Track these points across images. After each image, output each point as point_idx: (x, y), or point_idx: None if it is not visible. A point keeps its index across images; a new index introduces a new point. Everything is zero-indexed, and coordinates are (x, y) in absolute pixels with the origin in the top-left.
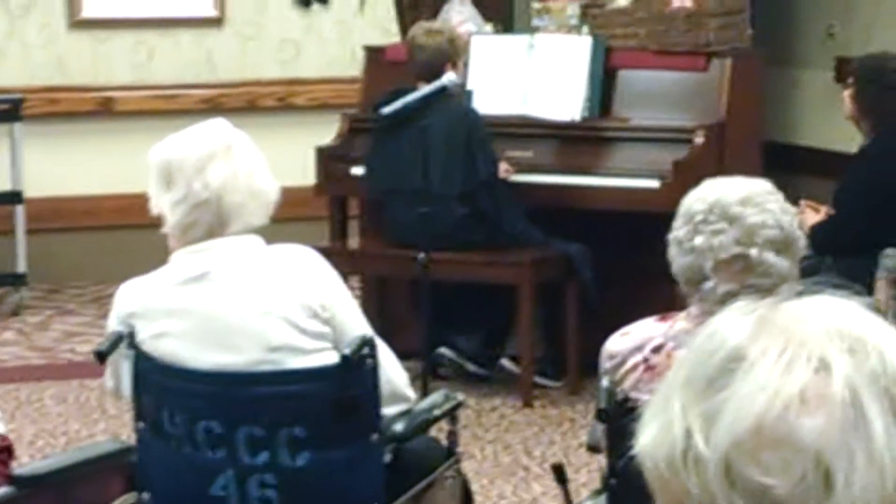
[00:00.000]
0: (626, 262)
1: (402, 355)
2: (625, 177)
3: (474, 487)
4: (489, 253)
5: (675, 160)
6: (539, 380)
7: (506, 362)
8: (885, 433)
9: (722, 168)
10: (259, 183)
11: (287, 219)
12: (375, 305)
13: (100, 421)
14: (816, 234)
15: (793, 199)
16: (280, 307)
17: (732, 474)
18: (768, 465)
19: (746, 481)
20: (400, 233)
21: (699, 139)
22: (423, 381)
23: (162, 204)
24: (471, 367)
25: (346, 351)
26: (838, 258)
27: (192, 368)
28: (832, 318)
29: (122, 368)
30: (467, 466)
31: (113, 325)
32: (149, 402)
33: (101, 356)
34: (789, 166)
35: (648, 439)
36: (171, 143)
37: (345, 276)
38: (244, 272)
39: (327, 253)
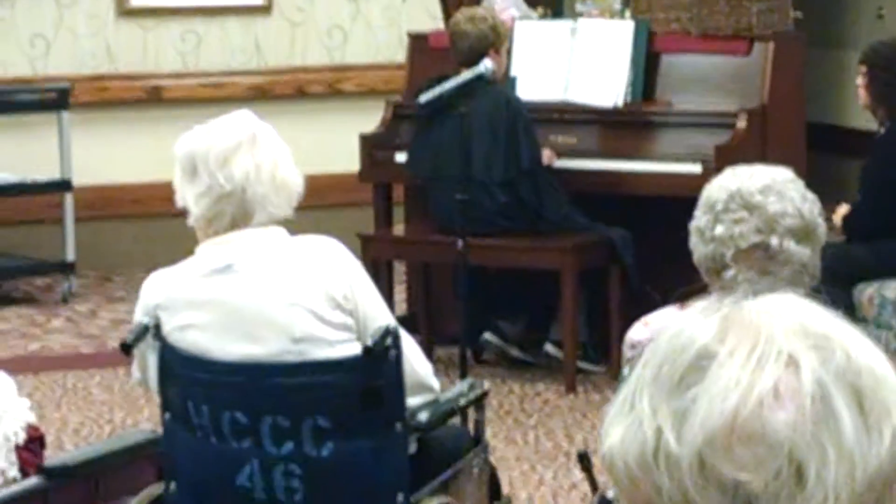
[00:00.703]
0: (669, 247)
1: (448, 340)
2: (667, 162)
3: (515, 473)
4: (532, 238)
5: (717, 145)
6: (582, 364)
7: (549, 347)
8: (854, 428)
9: (765, 152)
10: (283, 175)
11: (336, 205)
12: (421, 291)
13: (144, 409)
14: (846, 223)
15: (838, 181)
16: (304, 298)
17: (706, 471)
18: (742, 460)
19: (720, 477)
20: (442, 219)
21: (742, 123)
22: (462, 365)
23: (186, 196)
24: (514, 352)
25: (370, 342)
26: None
27: (216, 359)
28: (796, 315)
29: (148, 360)
30: (509, 452)
31: (139, 316)
32: (174, 393)
33: (126, 348)
34: (838, 148)
35: (616, 439)
36: (195, 135)
37: (389, 261)
38: (268, 264)
39: (372, 239)
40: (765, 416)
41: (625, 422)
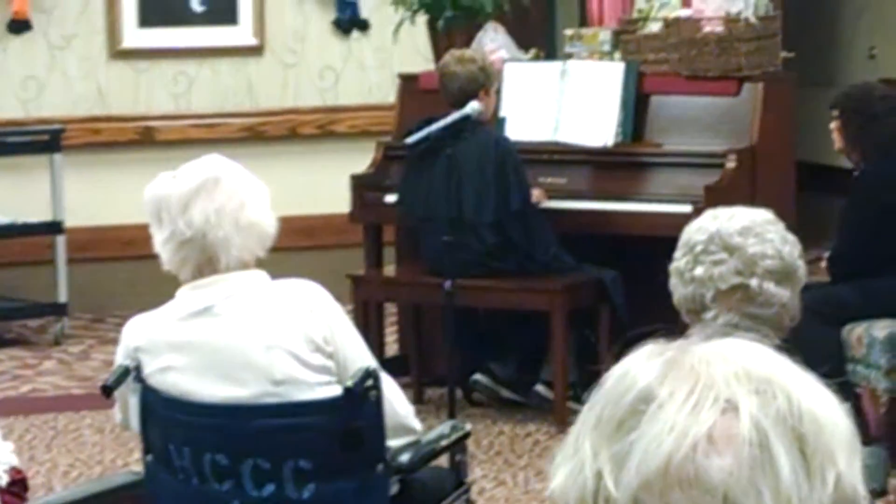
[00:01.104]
0: (659, 287)
1: (439, 381)
2: (657, 202)
3: None
4: (522, 279)
5: (707, 185)
6: (573, 405)
7: (540, 388)
8: (792, 473)
9: (754, 192)
10: (250, 216)
11: (327, 245)
12: (412, 332)
13: (135, 451)
14: (829, 265)
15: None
16: (283, 341)
17: None
18: None
19: None
20: (432, 260)
21: (731, 164)
22: (450, 406)
23: (155, 242)
24: (505, 393)
25: (350, 383)
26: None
27: (197, 401)
28: (740, 359)
29: (129, 402)
30: (499, 493)
31: (120, 359)
32: (156, 435)
33: (108, 390)
34: (829, 187)
35: (560, 482)
36: (159, 181)
37: (380, 303)
38: (248, 306)
39: (363, 280)
40: (699, 462)
41: (569, 464)
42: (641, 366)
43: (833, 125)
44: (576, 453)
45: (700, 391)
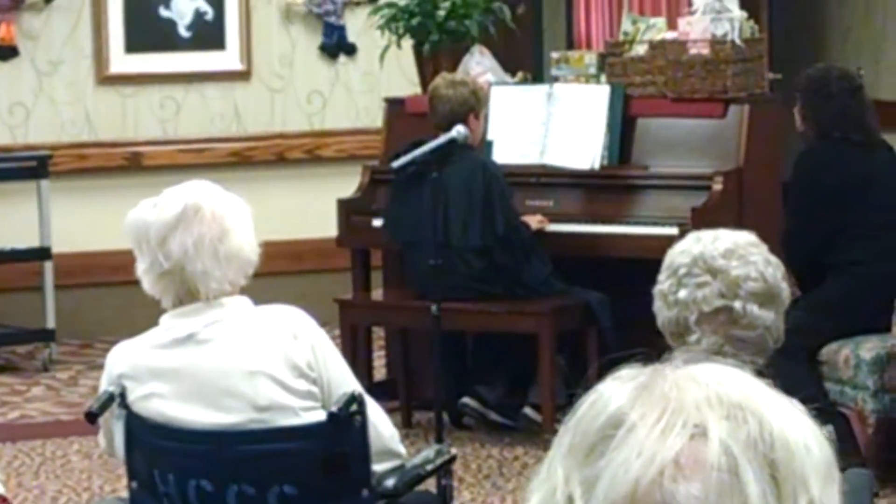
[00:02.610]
0: (646, 310)
1: (428, 405)
2: (644, 224)
3: None
4: (509, 303)
5: (693, 207)
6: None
7: (528, 411)
8: (762, 499)
9: (741, 214)
10: (230, 246)
11: (314, 270)
12: (399, 356)
13: (123, 477)
14: (784, 247)
15: None
16: (267, 367)
17: None
18: None
19: None
20: (419, 284)
21: (718, 186)
22: (437, 430)
23: (137, 268)
24: (494, 416)
25: (334, 408)
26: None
27: (181, 428)
28: (712, 384)
29: (114, 428)
30: None
31: (104, 385)
32: (140, 461)
33: (92, 416)
34: None
35: None
36: (140, 209)
37: (368, 327)
38: (231, 333)
39: (350, 304)
40: (665, 487)
41: (542, 489)
42: (613, 390)
43: (795, 109)
44: (549, 478)
45: (669, 416)
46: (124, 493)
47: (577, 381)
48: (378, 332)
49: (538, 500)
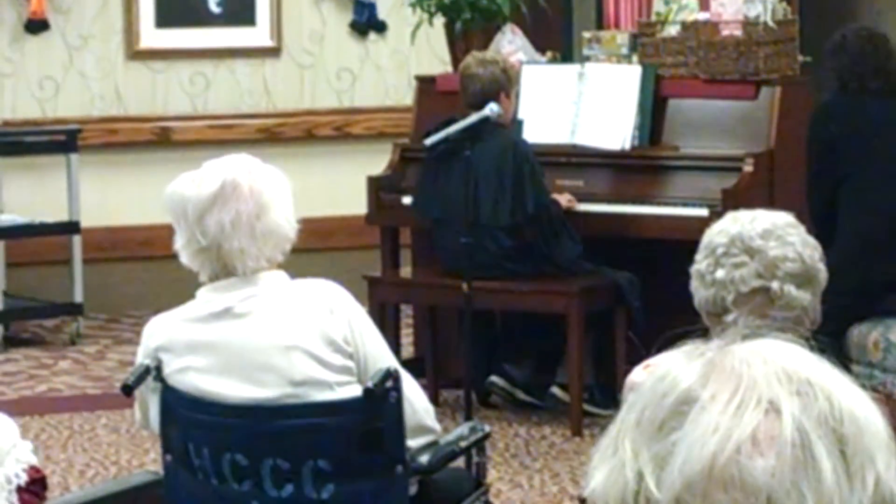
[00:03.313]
0: (676, 290)
1: (455, 383)
2: (674, 205)
3: None
4: (538, 282)
5: (724, 188)
6: (588, 408)
7: (556, 390)
8: (834, 474)
9: (772, 195)
10: (268, 223)
11: (343, 247)
12: (428, 334)
13: (150, 451)
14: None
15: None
16: (303, 342)
17: None
18: None
19: None
20: (449, 262)
21: (748, 167)
22: (467, 408)
23: (175, 241)
24: (521, 395)
25: (370, 384)
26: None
27: (216, 402)
28: (780, 361)
29: (149, 401)
30: (514, 495)
31: (140, 358)
32: (175, 434)
33: (128, 389)
34: None
35: (599, 482)
36: (179, 184)
37: (396, 304)
38: (267, 307)
39: (379, 282)
40: (742, 463)
41: (608, 464)
42: (682, 367)
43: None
44: (615, 454)
45: (743, 392)
46: (152, 467)
47: (605, 361)
48: (406, 311)
49: (604, 475)
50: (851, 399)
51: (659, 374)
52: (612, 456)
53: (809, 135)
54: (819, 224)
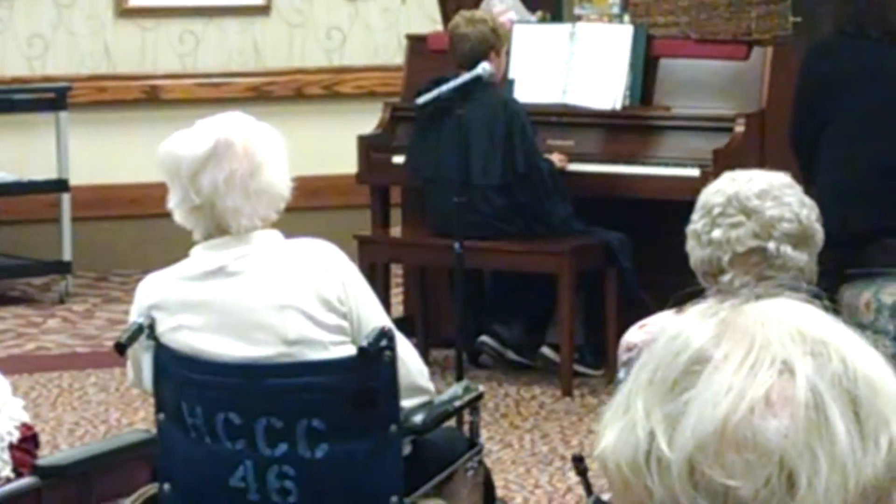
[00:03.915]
0: (667, 251)
1: (444, 343)
2: (665, 165)
3: (510, 476)
4: (529, 242)
5: (715, 149)
6: (579, 368)
7: (546, 350)
8: (847, 436)
9: (763, 156)
10: (262, 182)
11: (333, 206)
12: (418, 294)
13: (140, 409)
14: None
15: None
16: (297, 300)
17: (696, 476)
18: (732, 467)
19: (710, 483)
20: (439, 222)
21: (740, 128)
22: (458, 368)
23: (169, 200)
24: (511, 355)
25: (364, 343)
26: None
27: (210, 360)
28: (794, 321)
29: (142, 360)
30: (505, 455)
31: (134, 316)
32: (168, 393)
33: (121, 348)
34: None
35: (610, 441)
36: (172, 142)
37: (386, 264)
38: (261, 266)
39: (369, 241)
40: (756, 423)
41: (619, 424)
42: (695, 326)
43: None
44: (626, 412)
45: (757, 352)
46: (141, 426)
47: (596, 321)
48: (395, 270)
49: (615, 435)
50: (866, 361)
51: (672, 333)
52: (624, 415)
53: (800, 71)
54: (801, 162)
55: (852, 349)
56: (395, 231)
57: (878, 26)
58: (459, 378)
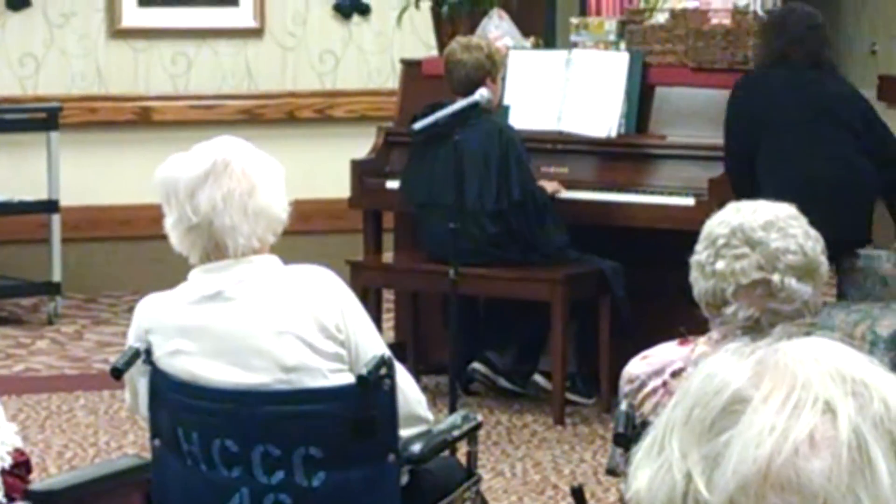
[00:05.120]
0: (661, 280)
1: (436, 369)
2: (660, 194)
3: None
4: (522, 269)
5: (710, 178)
6: (571, 396)
7: (538, 378)
8: (890, 477)
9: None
10: (260, 203)
11: (325, 231)
12: (409, 320)
13: (129, 433)
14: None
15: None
16: (295, 327)
17: None
18: None
19: None
20: (433, 247)
21: None
22: (451, 396)
23: (165, 223)
24: (503, 382)
25: (364, 371)
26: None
27: (206, 386)
28: (832, 360)
29: (139, 385)
30: (496, 484)
31: (131, 340)
32: (164, 419)
33: (117, 373)
34: None
35: (643, 483)
36: (170, 164)
37: (378, 289)
38: (259, 292)
39: (361, 266)
40: (799, 465)
41: (653, 465)
42: (731, 365)
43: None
44: (660, 454)
45: (799, 392)
46: (130, 450)
47: (588, 350)
48: (386, 295)
49: (649, 477)
50: None
51: (707, 372)
52: (658, 456)
53: (729, 107)
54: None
55: (892, 389)
56: (388, 256)
57: (802, 57)
58: (453, 406)
